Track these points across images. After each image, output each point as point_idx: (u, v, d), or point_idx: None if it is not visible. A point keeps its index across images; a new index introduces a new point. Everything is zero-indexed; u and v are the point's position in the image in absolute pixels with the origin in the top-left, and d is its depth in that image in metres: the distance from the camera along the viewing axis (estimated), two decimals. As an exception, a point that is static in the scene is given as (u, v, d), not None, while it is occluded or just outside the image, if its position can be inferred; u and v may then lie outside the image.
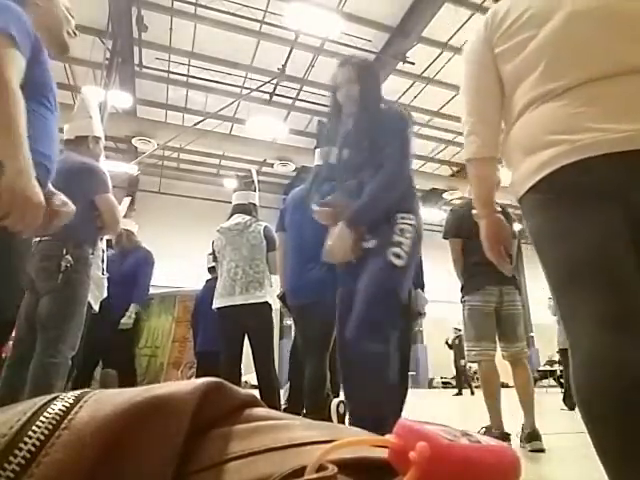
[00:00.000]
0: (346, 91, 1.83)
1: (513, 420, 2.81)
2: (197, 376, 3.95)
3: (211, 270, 4.09)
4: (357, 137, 1.80)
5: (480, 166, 1.17)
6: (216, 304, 3.07)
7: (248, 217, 3.20)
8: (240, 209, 3.26)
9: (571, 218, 0.93)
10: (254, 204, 3.33)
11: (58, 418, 0.24)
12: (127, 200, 3.70)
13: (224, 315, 3.02)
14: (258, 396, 0.32)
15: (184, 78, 10.61)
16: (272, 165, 12.98)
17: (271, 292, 3.05)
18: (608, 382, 0.82)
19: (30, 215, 1.11)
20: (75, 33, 1.54)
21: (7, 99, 1.10)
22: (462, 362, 11.71)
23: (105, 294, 2.77)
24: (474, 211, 1.27)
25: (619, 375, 0.81)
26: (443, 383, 16.51)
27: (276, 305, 2.98)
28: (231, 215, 3.31)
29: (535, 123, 1.02)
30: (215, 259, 3.38)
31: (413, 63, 9.44)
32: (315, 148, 3.02)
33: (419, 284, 2.53)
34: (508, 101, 1.12)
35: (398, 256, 1.61)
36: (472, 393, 11.23)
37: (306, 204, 2.57)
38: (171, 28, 9.10)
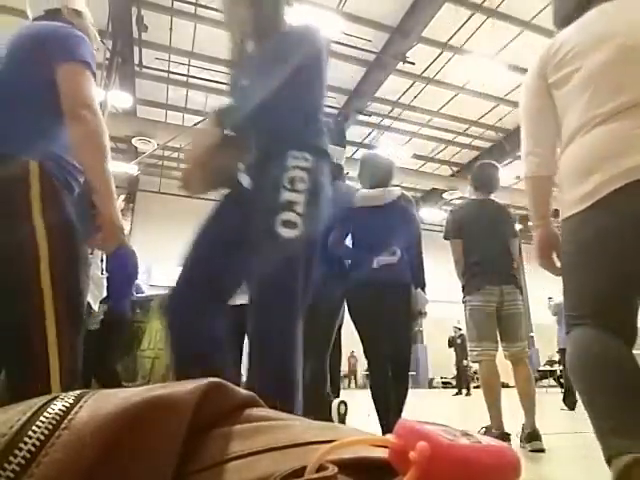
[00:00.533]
0: (234, 16, 1.42)
1: (513, 420, 2.81)
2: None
3: None
4: (256, 67, 1.37)
5: (537, 183, 1.31)
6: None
7: None
8: None
9: (600, 241, 1.07)
10: None
11: (58, 418, 0.24)
12: (121, 198, 3.68)
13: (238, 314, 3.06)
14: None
15: (184, 78, 10.61)
16: (272, 165, 12.97)
17: None
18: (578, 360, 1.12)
19: (116, 238, 1.30)
20: (99, 49, 1.64)
21: (100, 131, 1.25)
22: (464, 362, 11.65)
23: (105, 293, 2.77)
24: (530, 223, 1.39)
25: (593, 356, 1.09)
26: (443, 383, 16.52)
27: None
28: None
29: (587, 146, 1.13)
30: None
31: (413, 63, 9.44)
32: None
33: (420, 283, 2.53)
34: (559, 127, 1.25)
35: (290, 224, 1.16)
36: (468, 394, 11.17)
37: None
38: (171, 28, 9.10)
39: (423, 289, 2.54)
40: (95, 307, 2.62)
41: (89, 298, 2.24)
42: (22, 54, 1.28)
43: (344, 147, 3.00)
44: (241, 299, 3.04)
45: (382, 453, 0.25)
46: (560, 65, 1.22)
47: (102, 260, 2.77)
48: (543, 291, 8.89)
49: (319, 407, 2.44)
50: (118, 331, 3.50)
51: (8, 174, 1.14)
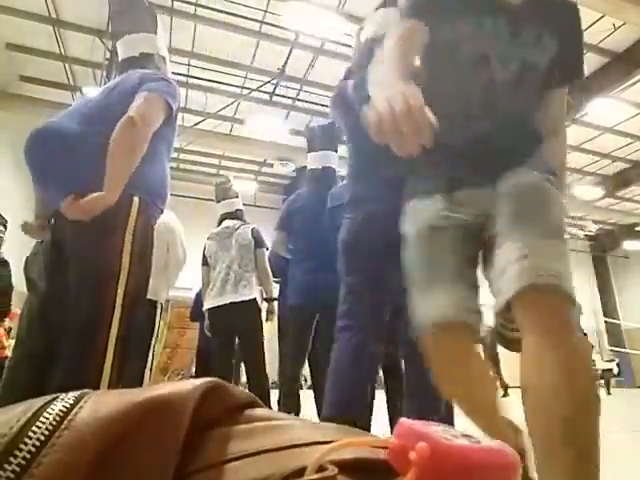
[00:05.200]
0: None
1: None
2: (197, 375, 3.96)
3: None
4: None
5: None
6: (206, 305, 3.13)
7: (238, 221, 3.31)
8: (229, 216, 3.37)
9: None
10: (241, 210, 3.45)
11: (58, 418, 0.24)
12: None
13: (215, 315, 3.08)
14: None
15: (184, 78, 10.61)
16: (272, 165, 12.98)
17: (258, 291, 3.14)
18: None
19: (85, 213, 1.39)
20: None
21: (141, 138, 1.41)
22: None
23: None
24: None
25: None
26: (443, 383, 16.45)
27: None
28: (220, 222, 3.42)
29: None
30: (206, 264, 3.36)
31: (413, 63, 9.43)
32: (308, 152, 3.04)
33: None
34: None
35: None
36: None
37: (318, 210, 2.57)
38: (171, 28, 9.10)
39: None
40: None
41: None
42: (125, 99, 1.46)
43: (336, 151, 3.03)
44: (230, 298, 3.11)
45: (382, 453, 0.25)
46: None
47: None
48: (543, 291, 8.81)
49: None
50: None
51: (119, 201, 1.41)
